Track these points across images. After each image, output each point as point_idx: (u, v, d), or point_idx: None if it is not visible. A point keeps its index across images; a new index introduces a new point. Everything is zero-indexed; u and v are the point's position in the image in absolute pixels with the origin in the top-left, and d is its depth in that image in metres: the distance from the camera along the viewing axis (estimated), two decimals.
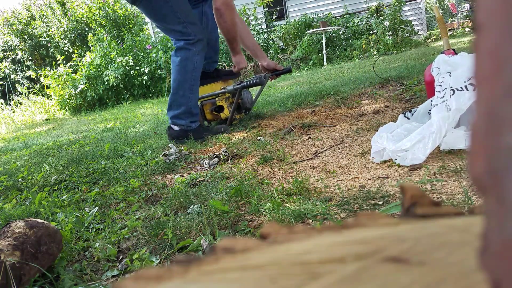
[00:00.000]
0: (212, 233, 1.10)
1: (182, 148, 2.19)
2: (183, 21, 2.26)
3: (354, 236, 0.24)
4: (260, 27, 8.67)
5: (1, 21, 10.29)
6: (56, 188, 1.82)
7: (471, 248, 0.21)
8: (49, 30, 9.74)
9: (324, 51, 7.33)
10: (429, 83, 1.77)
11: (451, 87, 1.39)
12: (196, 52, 2.32)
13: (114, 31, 8.27)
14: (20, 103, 8.17)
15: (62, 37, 9.39)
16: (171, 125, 2.41)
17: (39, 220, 1.03)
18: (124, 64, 7.10)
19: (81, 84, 7.17)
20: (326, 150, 1.76)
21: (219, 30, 2.53)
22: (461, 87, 1.37)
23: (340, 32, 8.21)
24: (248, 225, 1.13)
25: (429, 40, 8.60)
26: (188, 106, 2.36)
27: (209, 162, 1.83)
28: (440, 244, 0.22)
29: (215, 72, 2.73)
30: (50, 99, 7.74)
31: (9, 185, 1.94)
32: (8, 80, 9.68)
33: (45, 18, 10.00)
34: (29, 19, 10.28)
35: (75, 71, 7.79)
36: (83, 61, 7.67)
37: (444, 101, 1.41)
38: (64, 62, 7.84)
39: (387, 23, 7.69)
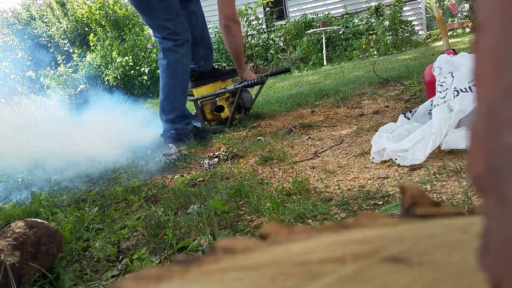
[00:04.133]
0: (212, 233, 1.10)
1: (182, 148, 2.19)
2: (173, 19, 2.21)
3: (354, 236, 0.24)
4: (260, 27, 8.67)
5: (1, 21, 10.29)
6: (56, 188, 1.82)
7: (471, 248, 0.21)
8: (49, 30, 9.74)
9: (324, 51, 7.32)
10: (429, 83, 1.77)
11: (455, 88, 1.39)
12: (184, 54, 2.28)
13: (114, 31, 8.27)
14: (20, 103, 8.17)
15: (62, 37, 9.39)
16: (166, 129, 2.39)
17: (39, 220, 1.03)
18: (124, 64, 7.10)
19: (81, 84, 7.17)
20: (326, 150, 1.76)
21: (226, 46, 2.53)
22: (465, 88, 1.37)
23: (340, 32, 8.21)
24: (248, 225, 1.13)
25: (429, 40, 8.60)
26: (181, 109, 2.34)
27: (209, 162, 1.83)
28: (440, 244, 0.22)
29: (214, 72, 2.71)
30: (50, 99, 7.74)
31: (9, 185, 1.94)
32: (8, 80, 9.68)
33: (45, 18, 10.00)
34: (29, 19, 10.28)
35: (75, 71, 7.79)
36: (83, 61, 7.67)
37: (445, 101, 1.41)
38: (64, 62, 7.84)
39: (387, 23, 7.68)
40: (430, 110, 1.56)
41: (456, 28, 10.46)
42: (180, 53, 2.27)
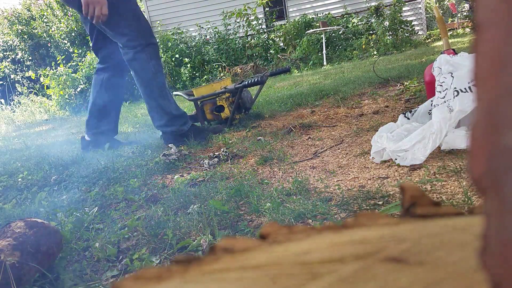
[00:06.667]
0: (212, 233, 1.10)
1: (182, 148, 2.19)
2: (130, 24, 2.11)
3: (354, 236, 0.24)
4: (260, 27, 8.66)
5: (1, 21, 10.29)
6: (56, 188, 1.82)
7: (471, 248, 0.21)
8: (49, 30, 9.74)
9: (324, 51, 7.32)
10: (429, 83, 1.77)
11: (454, 88, 1.39)
12: (148, 58, 2.17)
13: None
14: (20, 103, 8.17)
15: (62, 37, 9.39)
16: (166, 131, 2.35)
17: (39, 220, 1.03)
18: None
19: (81, 84, 7.17)
20: (326, 150, 1.76)
21: None
22: (465, 89, 1.37)
23: (340, 32, 8.20)
24: (248, 225, 1.13)
25: (429, 40, 8.60)
26: (168, 112, 2.27)
27: (209, 162, 1.83)
28: (440, 244, 0.22)
29: None
30: (50, 99, 7.74)
31: (9, 185, 1.94)
32: (8, 80, 9.68)
33: (45, 18, 10.00)
34: (29, 19, 10.28)
35: (75, 71, 7.79)
36: (83, 61, 7.67)
37: (445, 101, 1.41)
38: (64, 62, 7.84)
39: (387, 23, 7.68)
40: (430, 110, 1.56)
41: (456, 28, 10.46)
42: (143, 59, 2.17)
